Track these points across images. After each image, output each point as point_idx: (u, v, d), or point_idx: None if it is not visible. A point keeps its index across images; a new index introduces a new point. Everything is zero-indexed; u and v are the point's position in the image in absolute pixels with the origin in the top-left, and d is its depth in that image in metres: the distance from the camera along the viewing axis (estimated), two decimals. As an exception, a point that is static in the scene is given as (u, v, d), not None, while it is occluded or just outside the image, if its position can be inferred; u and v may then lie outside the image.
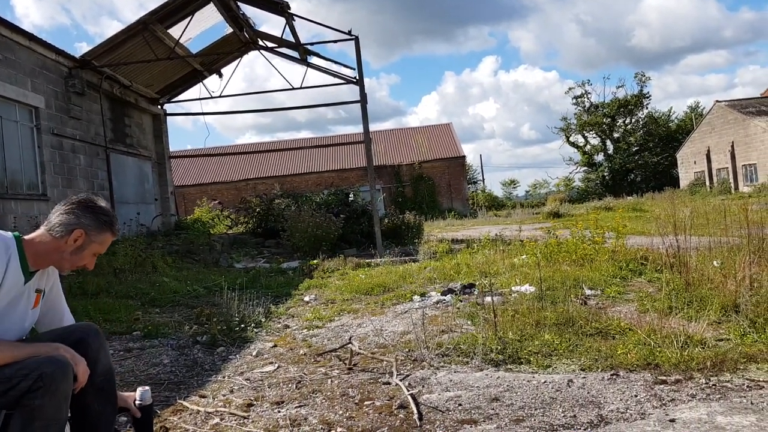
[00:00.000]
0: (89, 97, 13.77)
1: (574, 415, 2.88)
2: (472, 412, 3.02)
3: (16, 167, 11.15)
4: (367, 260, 10.73)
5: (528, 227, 16.35)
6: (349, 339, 4.61)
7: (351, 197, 16.49)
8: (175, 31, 14.60)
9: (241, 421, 3.07)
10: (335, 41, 14.56)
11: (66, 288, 6.99)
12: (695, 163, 40.67)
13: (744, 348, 3.67)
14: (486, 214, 32.25)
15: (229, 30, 15.94)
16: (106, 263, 9.24)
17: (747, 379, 3.22)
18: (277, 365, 4.14)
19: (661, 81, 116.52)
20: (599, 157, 54.08)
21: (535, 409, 2.99)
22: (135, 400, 2.45)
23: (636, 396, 3.08)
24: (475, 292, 6.27)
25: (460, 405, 3.12)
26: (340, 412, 3.14)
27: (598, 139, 54.42)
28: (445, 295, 6.30)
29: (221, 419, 3.13)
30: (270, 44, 16.81)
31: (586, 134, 54.88)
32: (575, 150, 55.59)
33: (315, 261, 10.70)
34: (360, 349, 4.32)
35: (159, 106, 17.89)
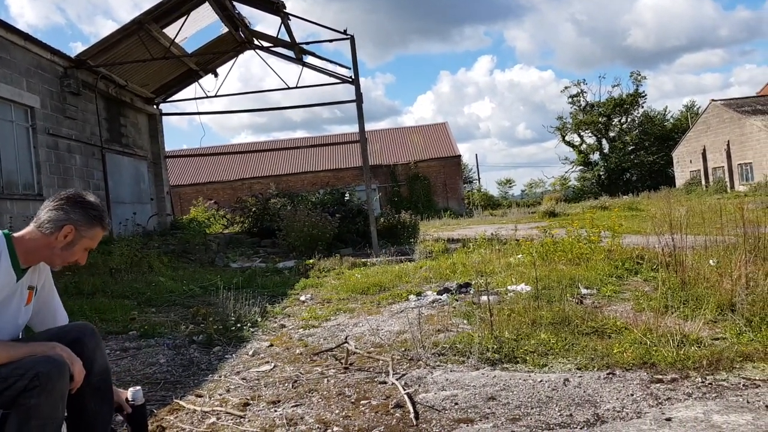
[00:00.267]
0: (85, 97, 13.72)
1: (571, 414, 2.88)
2: (469, 411, 3.02)
3: (11, 167, 11.10)
4: (363, 260, 10.72)
5: (524, 226, 16.37)
6: (346, 338, 4.60)
7: (347, 197, 16.51)
8: (170, 31, 14.56)
9: (238, 421, 3.06)
10: (331, 41, 14.55)
11: (62, 288, 6.98)
12: (691, 162, 40.81)
13: (740, 347, 3.68)
14: (482, 213, 32.30)
15: (225, 29, 15.91)
16: (102, 263, 9.22)
17: (743, 378, 3.23)
18: (273, 365, 4.13)
19: (657, 80, 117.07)
20: (595, 156, 54.25)
21: (532, 408, 3.00)
22: (127, 399, 2.44)
23: (632, 395, 3.08)
24: (471, 292, 6.28)
25: (456, 404, 3.12)
26: (337, 411, 3.13)
27: (594, 138, 54.57)
28: (441, 295, 6.31)
29: (218, 418, 3.12)
30: (265, 44, 16.79)
31: (581, 133, 55.03)
32: (571, 149, 55.74)
33: (311, 260, 10.69)
34: (356, 348, 4.31)
35: (154, 106, 17.84)
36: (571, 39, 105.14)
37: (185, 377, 3.98)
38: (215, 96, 16.98)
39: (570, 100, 55.22)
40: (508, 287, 6.14)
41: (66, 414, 2.18)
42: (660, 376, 3.33)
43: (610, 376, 3.40)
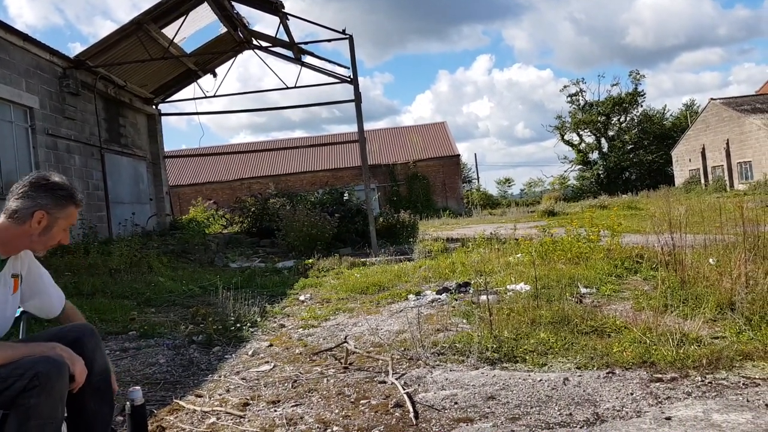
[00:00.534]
0: (84, 98, 13.71)
1: (570, 414, 2.88)
2: (468, 410, 3.02)
3: (11, 167, 11.09)
4: (362, 259, 10.72)
5: (523, 226, 16.38)
6: (345, 338, 4.60)
7: (346, 196, 16.50)
8: (169, 31, 14.55)
9: (238, 421, 3.06)
10: (329, 40, 14.54)
11: (61, 288, 6.98)
12: (690, 161, 40.82)
13: (740, 346, 3.68)
14: (481, 212, 32.30)
15: (224, 29, 15.90)
16: (102, 263, 9.21)
17: (743, 377, 3.23)
18: (273, 364, 4.13)
19: (656, 79, 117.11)
20: (594, 156, 54.26)
21: (531, 408, 3.00)
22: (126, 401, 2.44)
23: (632, 394, 3.08)
24: (471, 291, 6.28)
25: (455, 403, 3.12)
26: (336, 410, 3.13)
27: (593, 137, 54.58)
28: (441, 294, 6.31)
29: (217, 418, 3.12)
30: (264, 43, 16.78)
31: (580, 132, 55.02)
32: (570, 148, 55.76)
33: (310, 260, 10.69)
34: (356, 348, 4.31)
35: (153, 106, 17.84)
36: (569, 38, 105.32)
37: (185, 377, 3.98)
38: (214, 96, 16.98)
39: (569, 99, 55.29)
40: (508, 286, 6.14)
41: (66, 414, 2.18)
42: (660, 375, 3.33)
43: (610, 375, 3.40)
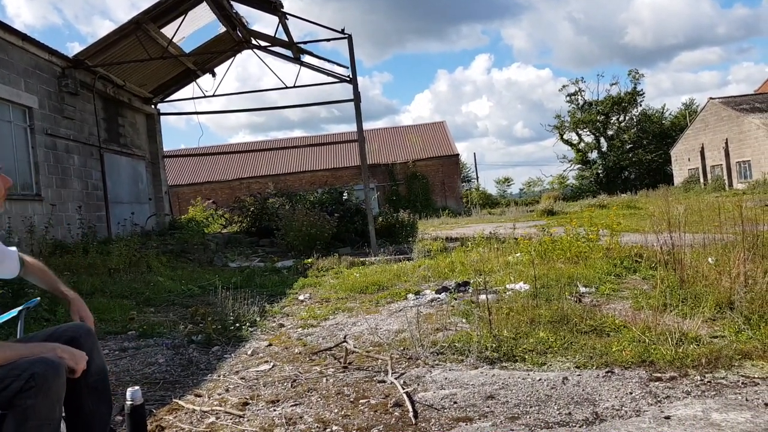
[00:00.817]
0: (82, 97, 13.69)
1: (569, 413, 2.88)
2: (468, 409, 3.02)
3: (9, 167, 11.07)
4: (361, 259, 10.72)
5: (522, 225, 16.38)
6: (344, 337, 4.60)
7: (345, 196, 16.50)
8: (168, 31, 14.54)
9: (237, 420, 3.06)
10: (328, 40, 14.52)
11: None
12: (689, 160, 40.84)
13: (739, 345, 3.68)
14: (480, 212, 32.31)
15: (222, 29, 15.89)
16: (101, 263, 9.21)
17: (742, 376, 3.23)
18: (272, 364, 4.13)
19: (655, 78, 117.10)
20: (593, 155, 54.27)
21: (531, 407, 3.00)
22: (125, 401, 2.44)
23: (631, 393, 3.08)
24: (470, 290, 6.28)
25: (455, 403, 3.12)
26: (336, 410, 3.13)
27: (592, 136, 54.59)
28: (440, 294, 6.31)
29: (217, 418, 3.12)
30: (263, 43, 16.77)
31: (579, 132, 55.03)
32: (569, 148, 55.76)
33: (309, 260, 10.69)
34: (355, 347, 4.31)
35: (152, 106, 17.82)
36: (568, 37, 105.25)
37: (184, 377, 3.98)
38: (213, 96, 16.96)
39: (568, 98, 55.29)
40: (507, 286, 6.14)
41: (64, 414, 2.17)
42: (659, 375, 3.33)
43: (609, 374, 3.40)
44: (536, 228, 11.60)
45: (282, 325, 5.52)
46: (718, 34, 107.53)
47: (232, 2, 14.53)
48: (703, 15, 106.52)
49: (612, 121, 53.79)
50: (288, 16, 14.36)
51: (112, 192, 14.80)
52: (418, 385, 3.44)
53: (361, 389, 3.44)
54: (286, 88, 16.06)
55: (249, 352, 4.50)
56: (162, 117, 18.41)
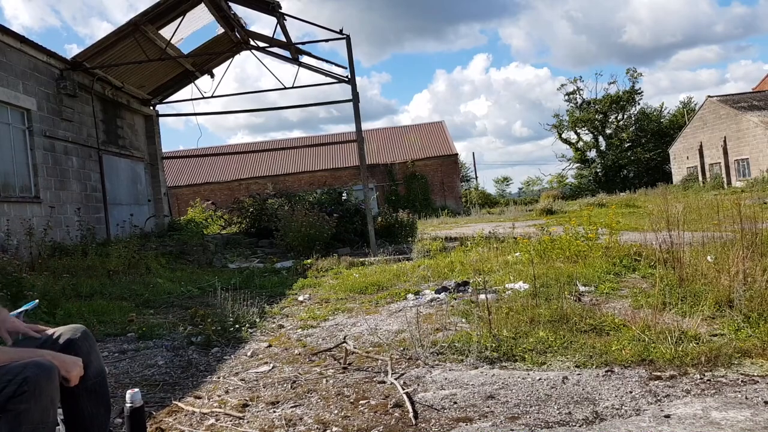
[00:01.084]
0: (81, 99, 13.69)
1: (569, 412, 2.88)
2: (468, 410, 3.02)
3: (8, 169, 11.07)
4: (360, 259, 10.72)
5: (521, 224, 16.38)
6: (344, 338, 4.60)
7: (344, 196, 16.49)
8: (166, 32, 14.53)
9: (237, 422, 3.06)
10: (327, 40, 14.52)
11: (59, 290, 6.97)
12: (688, 158, 40.87)
13: (738, 343, 3.68)
14: (479, 211, 32.32)
15: (221, 30, 15.89)
16: (100, 265, 9.20)
17: (741, 374, 3.23)
18: (272, 365, 4.12)
19: (653, 77, 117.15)
20: (592, 154, 54.29)
21: (530, 407, 3.00)
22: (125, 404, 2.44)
23: (631, 392, 3.08)
24: (470, 290, 6.28)
25: (455, 403, 3.12)
26: (336, 411, 3.13)
27: (591, 135, 54.62)
28: (440, 293, 6.31)
29: (216, 420, 3.12)
30: (261, 44, 16.77)
31: (578, 131, 55.05)
32: (568, 147, 55.80)
33: (309, 260, 10.68)
34: (355, 348, 4.31)
35: (151, 107, 17.80)
36: (566, 36, 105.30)
37: (184, 379, 3.97)
38: (212, 97, 16.96)
39: (566, 97, 55.32)
40: (506, 285, 6.14)
41: (62, 417, 2.17)
42: (658, 373, 3.33)
43: (609, 373, 3.40)
44: (535, 227, 11.60)
45: (282, 326, 5.51)
46: (716, 32, 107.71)
47: (230, 3, 14.53)
48: (701, 13, 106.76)
49: (610, 120, 53.82)
50: (286, 17, 14.36)
51: (111, 194, 14.79)
52: (418, 385, 3.44)
53: (361, 390, 3.44)
54: (285, 88, 16.07)
55: (249, 354, 4.50)
56: (160, 118, 18.41)
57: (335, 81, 15.79)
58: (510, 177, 60.75)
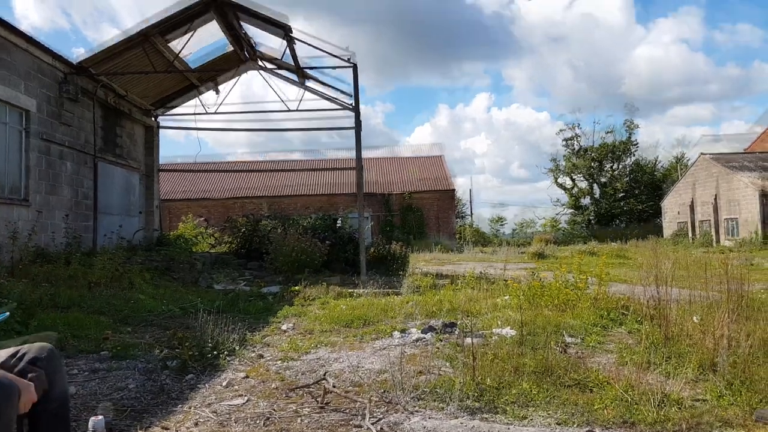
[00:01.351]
0: (82, 104, 13.68)
1: (548, 475, 2.79)
2: (444, 464, 2.92)
3: (0, 170, 10.96)
4: (349, 290, 10.61)
5: (513, 266, 16.36)
6: (324, 374, 4.49)
7: (339, 223, 16.44)
8: (175, 44, 14.65)
9: (204, 458, 2.94)
10: (334, 68, 14.69)
11: (36, 299, 6.82)
12: (679, 213, 41.23)
13: (720, 411, 3.63)
14: (472, 249, 32.29)
15: (230, 48, 16.04)
16: (82, 275, 9.03)
17: (724, 446, 3.16)
18: (246, 398, 4.01)
19: (649, 129, 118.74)
20: (586, 201, 54.66)
21: (509, 465, 2.90)
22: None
23: (612, 457, 3.00)
24: (456, 332, 6.19)
25: (431, 455, 3.02)
26: (308, 454, 3.02)
27: (586, 182, 55.10)
28: (426, 333, 6.21)
29: (183, 455, 3.00)
30: (269, 65, 16.92)
31: (574, 177, 55.53)
32: (563, 191, 56.20)
33: (296, 287, 10.55)
34: (334, 386, 4.20)
35: (153, 118, 17.83)
36: (567, 83, 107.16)
37: (154, 406, 3.84)
38: (215, 113, 17.00)
39: (564, 143, 55.93)
40: (494, 330, 6.07)
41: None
42: (641, 439, 3.25)
43: (590, 434, 3.32)
44: (526, 270, 11.57)
45: (261, 356, 5.39)
46: (710, 90, 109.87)
47: (241, 23, 14.70)
48: (697, 71, 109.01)
49: (606, 169, 54.39)
50: (296, 41, 14.53)
51: (102, 202, 14.66)
52: (395, 432, 3.34)
53: (335, 432, 3.34)
54: (289, 111, 16.17)
55: (224, 384, 4.37)
56: (161, 129, 18.42)
57: (339, 108, 15.91)
58: (504, 217, 60.87)
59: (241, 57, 16.66)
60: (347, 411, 3.76)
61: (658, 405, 3.63)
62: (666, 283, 6.09)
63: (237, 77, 17.71)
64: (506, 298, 8.29)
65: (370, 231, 29.43)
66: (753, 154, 40.16)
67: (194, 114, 16.70)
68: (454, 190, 39.61)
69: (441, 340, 5.86)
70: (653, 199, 48.47)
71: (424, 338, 6.03)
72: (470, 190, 62.43)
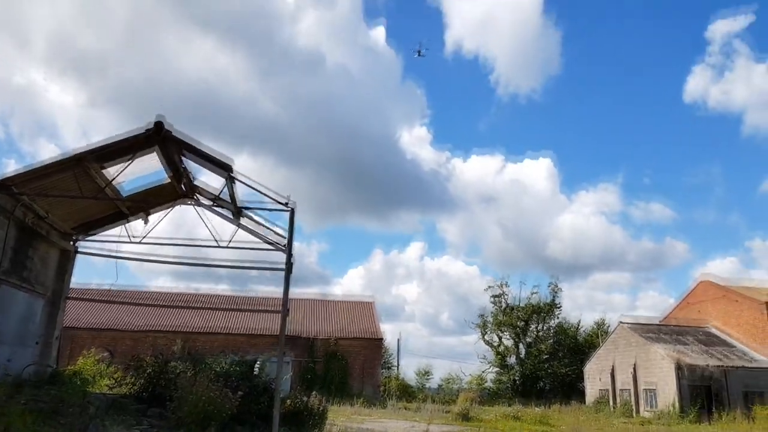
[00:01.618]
0: (-5, 222, 12.82)
1: None
2: None
3: None
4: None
5: (436, 428, 15.53)
6: None
7: (256, 371, 15.34)
8: (110, 169, 14.37)
9: None
10: (271, 210, 14.73)
11: None
12: (600, 379, 41.79)
13: None
14: (396, 404, 30.88)
15: (168, 180, 15.93)
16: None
17: None
18: None
19: (572, 293, 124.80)
20: (512, 359, 54.77)
21: None
22: None
23: None
24: None
25: None
26: None
27: (512, 341, 55.65)
28: None
29: None
30: (206, 201, 16.82)
31: (500, 334, 56.11)
32: (489, 348, 56.27)
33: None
34: None
35: (72, 242, 16.90)
36: (496, 240, 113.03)
37: None
38: (141, 243, 16.33)
39: (492, 299, 57.26)
40: None
41: None
42: None
43: None
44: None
45: None
46: (628, 261, 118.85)
47: (183, 158, 14.76)
48: (615, 243, 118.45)
49: (531, 329, 55.47)
50: (236, 180, 14.63)
51: (-6, 328, 13.14)
52: None
53: None
54: (221, 247, 15.79)
55: None
56: (78, 254, 17.37)
57: (272, 248, 15.69)
58: (431, 371, 59.47)
59: (178, 191, 16.54)
60: None
61: None
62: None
63: (170, 209, 17.42)
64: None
65: (289, 380, 27.70)
66: (668, 326, 42.37)
67: (118, 242, 15.98)
68: (382, 339, 38.85)
69: None
70: (576, 363, 49.21)
71: None
72: (398, 340, 61.61)
